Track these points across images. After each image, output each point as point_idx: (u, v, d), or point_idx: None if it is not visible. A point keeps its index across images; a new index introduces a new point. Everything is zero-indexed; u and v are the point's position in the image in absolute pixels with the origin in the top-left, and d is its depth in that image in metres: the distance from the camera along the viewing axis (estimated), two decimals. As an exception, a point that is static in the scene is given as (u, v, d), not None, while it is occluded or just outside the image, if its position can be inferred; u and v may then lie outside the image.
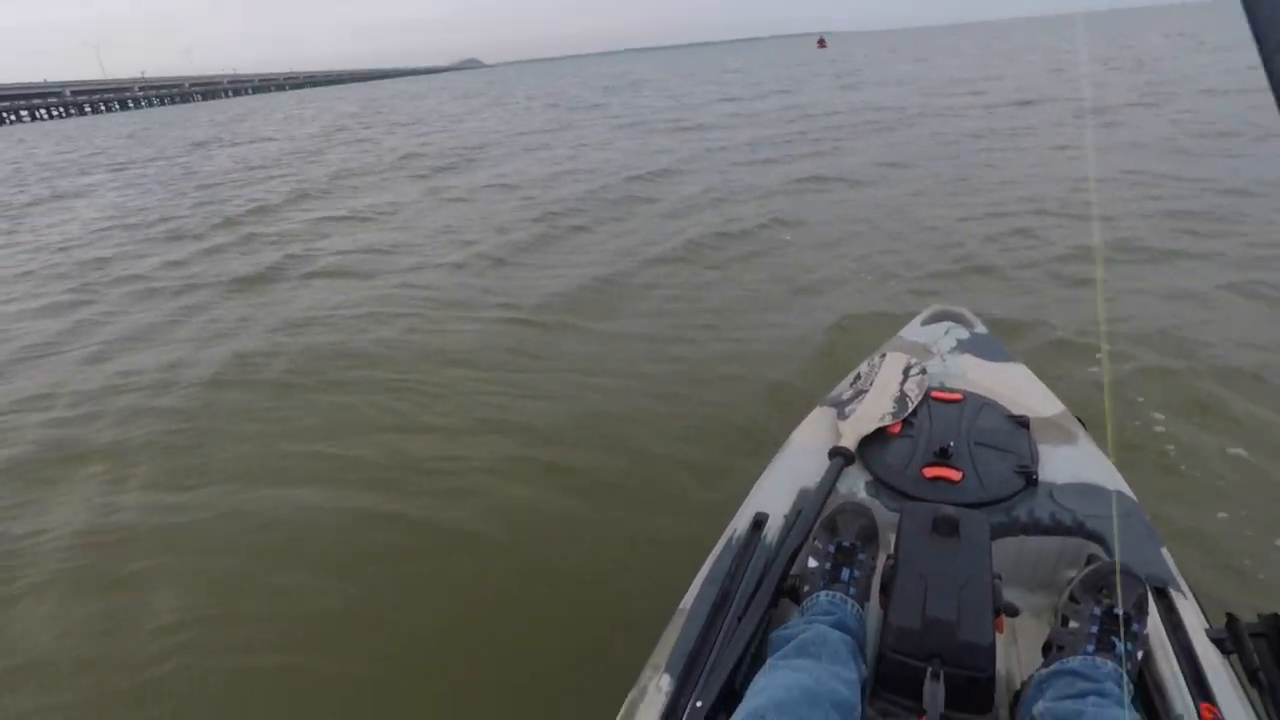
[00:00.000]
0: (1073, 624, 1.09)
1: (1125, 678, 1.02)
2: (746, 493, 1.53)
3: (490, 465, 2.87)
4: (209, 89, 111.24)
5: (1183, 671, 1.07)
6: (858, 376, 1.91)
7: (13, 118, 74.96)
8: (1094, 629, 1.07)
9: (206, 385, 3.90)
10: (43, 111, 79.27)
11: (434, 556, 2.38)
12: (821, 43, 63.50)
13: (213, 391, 3.83)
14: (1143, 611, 1.09)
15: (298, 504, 2.74)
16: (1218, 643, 1.09)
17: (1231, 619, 1.05)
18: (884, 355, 1.96)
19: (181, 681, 2.00)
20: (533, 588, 2.20)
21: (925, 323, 2.23)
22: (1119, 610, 1.07)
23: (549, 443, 3.01)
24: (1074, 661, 1.04)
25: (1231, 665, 1.09)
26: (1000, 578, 1.15)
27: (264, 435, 3.33)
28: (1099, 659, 1.03)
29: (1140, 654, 1.08)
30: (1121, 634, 1.05)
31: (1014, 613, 1.14)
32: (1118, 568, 1.11)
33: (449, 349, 4.12)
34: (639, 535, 2.38)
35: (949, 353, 2.02)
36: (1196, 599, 1.24)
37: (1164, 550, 1.31)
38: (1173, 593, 1.22)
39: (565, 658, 1.92)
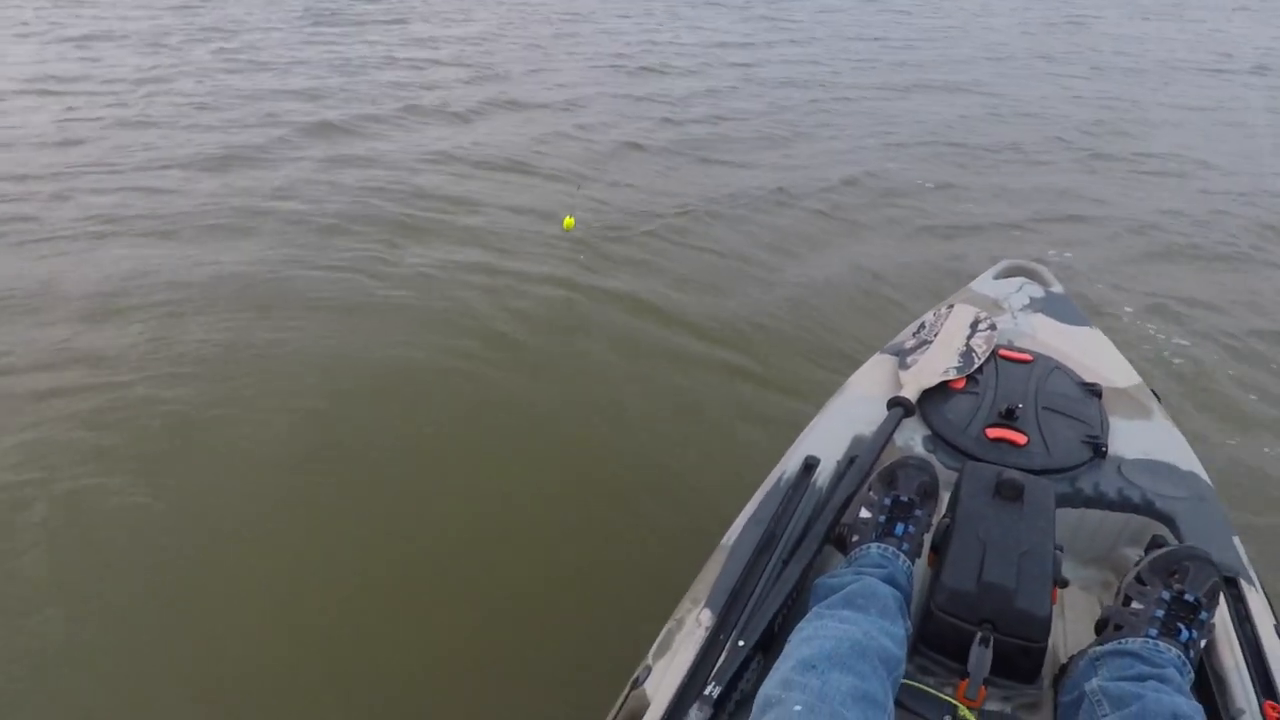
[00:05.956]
0: (1135, 604, 1.05)
1: (1189, 666, 0.98)
2: (798, 434, 1.48)
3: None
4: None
5: (1248, 666, 1.03)
6: (922, 326, 1.82)
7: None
8: (1159, 613, 1.03)
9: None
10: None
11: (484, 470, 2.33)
12: None
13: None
14: (1213, 601, 1.05)
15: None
16: None
17: None
18: (951, 306, 1.86)
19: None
20: (566, 506, 2.17)
21: (998, 276, 2.11)
22: (1189, 596, 1.02)
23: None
24: (1134, 643, 1.00)
25: None
26: (1061, 549, 1.12)
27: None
28: (1162, 644, 0.99)
29: (1203, 643, 1.04)
30: (1190, 621, 1.01)
31: (1064, 584, 1.10)
32: (1191, 553, 1.06)
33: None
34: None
35: (1021, 310, 1.92)
36: (1266, 594, 1.19)
37: (1236, 539, 1.26)
38: (1243, 584, 1.17)
39: (594, 583, 1.90)
